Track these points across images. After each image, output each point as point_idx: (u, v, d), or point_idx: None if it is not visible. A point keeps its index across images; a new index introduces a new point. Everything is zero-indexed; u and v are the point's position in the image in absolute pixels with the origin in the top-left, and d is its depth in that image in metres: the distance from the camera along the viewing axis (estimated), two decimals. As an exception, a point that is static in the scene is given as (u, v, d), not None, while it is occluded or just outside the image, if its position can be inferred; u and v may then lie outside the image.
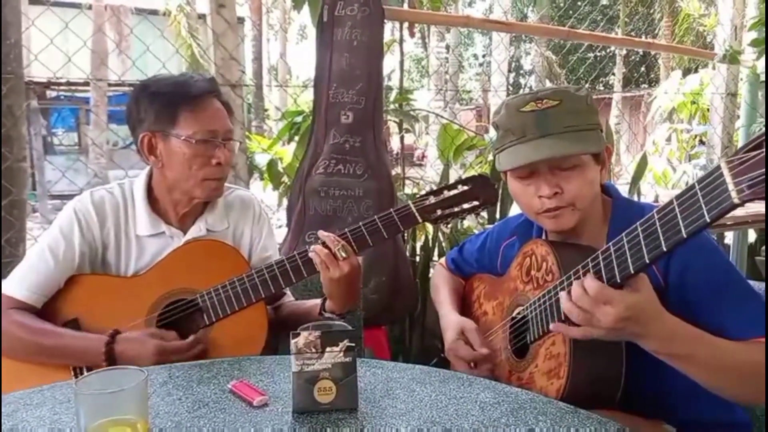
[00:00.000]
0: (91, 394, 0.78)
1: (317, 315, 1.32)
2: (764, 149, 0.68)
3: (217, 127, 1.31)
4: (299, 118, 3.06)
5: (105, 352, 1.18)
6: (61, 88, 10.04)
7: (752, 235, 3.42)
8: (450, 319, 1.31)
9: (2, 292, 1.26)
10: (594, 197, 1.14)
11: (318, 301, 1.35)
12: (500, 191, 2.26)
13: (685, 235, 0.79)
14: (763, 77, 3.49)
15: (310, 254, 1.24)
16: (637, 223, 0.87)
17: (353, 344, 0.91)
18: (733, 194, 0.71)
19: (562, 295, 0.95)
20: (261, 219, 1.45)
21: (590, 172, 1.11)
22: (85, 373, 0.83)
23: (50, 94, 11.22)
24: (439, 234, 2.74)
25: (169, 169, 1.31)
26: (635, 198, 3.02)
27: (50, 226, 1.34)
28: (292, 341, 0.90)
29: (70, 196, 1.43)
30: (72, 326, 1.26)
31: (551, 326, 1.00)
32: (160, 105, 1.28)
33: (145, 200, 1.34)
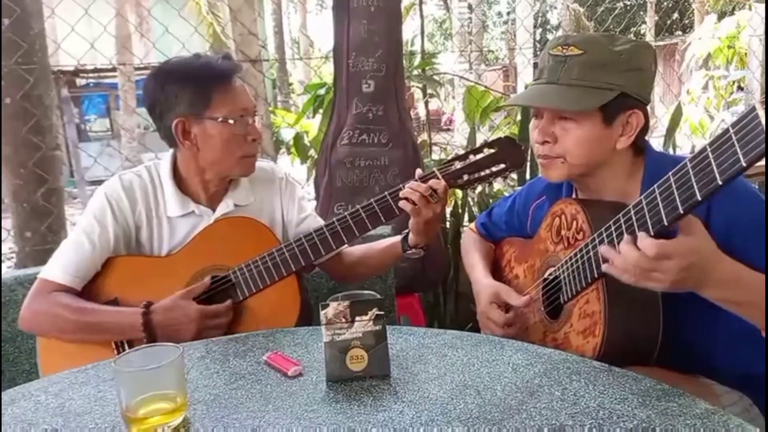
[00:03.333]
0: (129, 372, 0.81)
1: (400, 251, 1.36)
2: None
3: (247, 105, 1.32)
4: (322, 91, 3.04)
5: (142, 323, 1.22)
6: (90, 75, 10.21)
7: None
8: (483, 284, 1.30)
9: (44, 277, 1.30)
10: (594, 156, 1.09)
11: (394, 238, 1.39)
12: (529, 152, 2.22)
13: (720, 182, 0.76)
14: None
15: (401, 203, 1.24)
16: (670, 173, 0.84)
17: (382, 312, 0.91)
18: (770, 135, 0.68)
19: (611, 253, 0.91)
20: (288, 185, 1.47)
21: (592, 129, 1.07)
22: (126, 350, 0.85)
23: (80, 82, 11.43)
24: (469, 199, 2.72)
25: (206, 151, 1.31)
26: (671, 151, 2.92)
27: (84, 212, 1.37)
28: (322, 312, 0.90)
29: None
30: (112, 306, 1.30)
31: (603, 267, 0.94)
32: (191, 89, 1.28)
33: (173, 182, 1.36)
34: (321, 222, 1.40)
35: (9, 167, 2.43)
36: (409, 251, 1.35)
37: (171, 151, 1.38)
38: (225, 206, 1.38)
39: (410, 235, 1.33)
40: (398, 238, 1.38)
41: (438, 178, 1.25)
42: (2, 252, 2.54)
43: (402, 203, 1.25)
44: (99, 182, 1.41)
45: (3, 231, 2.49)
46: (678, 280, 0.85)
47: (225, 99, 1.28)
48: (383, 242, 1.43)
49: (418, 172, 1.27)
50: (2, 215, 2.67)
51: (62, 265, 1.30)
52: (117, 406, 0.82)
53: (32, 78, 2.36)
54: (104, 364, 1.01)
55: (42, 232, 2.44)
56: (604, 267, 0.92)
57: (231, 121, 1.28)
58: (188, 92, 1.28)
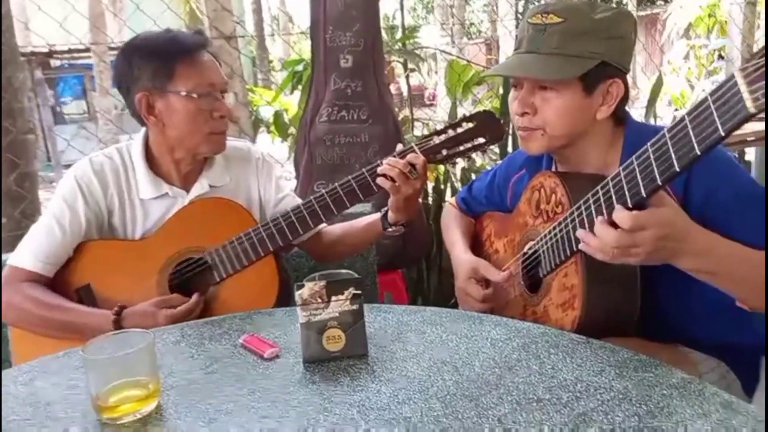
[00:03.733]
0: (99, 359, 0.79)
1: (381, 229, 1.34)
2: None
3: (215, 79, 1.28)
4: (300, 67, 2.99)
5: (113, 329, 1.19)
6: (64, 56, 9.96)
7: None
8: (462, 259, 1.30)
9: (13, 264, 1.26)
10: (574, 127, 1.07)
11: (374, 216, 1.37)
12: (509, 126, 2.20)
13: (698, 152, 0.74)
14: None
15: (379, 180, 1.22)
16: (648, 144, 0.83)
17: (359, 291, 0.90)
18: (749, 103, 0.66)
19: (586, 235, 0.89)
20: (264, 164, 1.43)
21: (573, 99, 1.05)
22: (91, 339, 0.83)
23: (54, 63, 11.15)
24: (451, 174, 2.70)
25: (171, 128, 1.28)
26: (652, 122, 2.92)
27: (53, 196, 1.33)
28: (297, 293, 0.89)
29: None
30: (85, 292, 1.27)
31: (581, 246, 0.92)
32: (154, 62, 1.24)
33: (145, 163, 1.32)
34: (299, 201, 1.37)
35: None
36: (390, 229, 1.34)
37: (143, 130, 1.35)
38: (200, 187, 1.34)
39: (390, 213, 1.32)
40: (378, 215, 1.36)
41: (416, 154, 1.22)
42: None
43: (380, 180, 1.22)
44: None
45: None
46: (653, 251, 0.84)
47: (189, 73, 1.24)
48: (363, 220, 1.42)
49: (399, 147, 1.25)
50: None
51: (32, 252, 1.27)
52: (88, 394, 0.80)
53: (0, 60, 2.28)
54: (75, 351, 0.99)
55: (16, 218, 2.40)
56: (581, 246, 0.91)
57: (195, 96, 1.24)
58: (152, 66, 1.24)
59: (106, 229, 1.32)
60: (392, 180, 1.21)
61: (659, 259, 0.86)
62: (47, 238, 1.28)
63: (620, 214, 0.83)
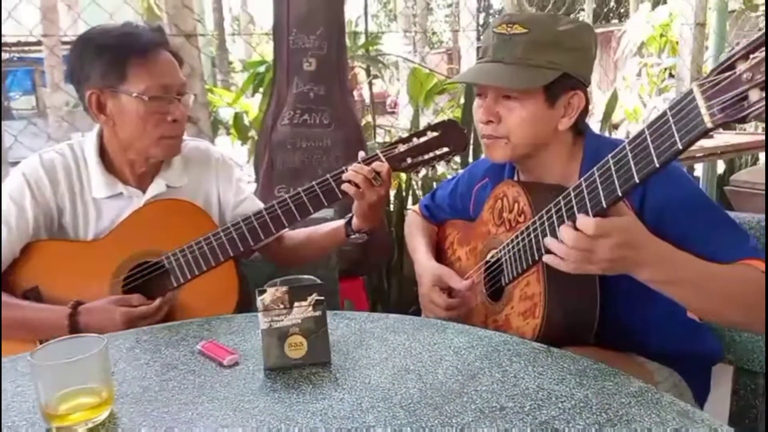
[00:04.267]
0: (48, 366, 0.75)
1: (344, 236, 1.34)
2: (737, 69, 0.65)
3: (170, 81, 1.23)
4: (262, 69, 2.96)
5: (68, 325, 1.14)
6: (13, 49, 9.56)
7: (721, 166, 3.46)
8: (425, 266, 1.30)
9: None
10: (537, 136, 1.09)
11: (338, 222, 1.36)
12: (471, 135, 2.22)
13: (657, 165, 0.77)
14: (731, 6, 3.45)
15: (344, 186, 1.21)
16: (609, 156, 0.85)
17: (322, 297, 0.88)
18: (706, 118, 0.68)
19: (552, 242, 0.90)
20: (224, 166, 1.40)
21: (536, 109, 1.07)
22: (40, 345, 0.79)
23: (3, 56, 10.69)
24: (413, 182, 2.71)
25: (122, 129, 1.24)
26: (607, 135, 3.01)
27: (-1, 194, 1.27)
28: (259, 298, 0.87)
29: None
30: (33, 294, 1.21)
31: (545, 258, 0.93)
32: (106, 59, 1.20)
33: (98, 161, 1.27)
34: (260, 204, 1.35)
35: None
36: (353, 236, 1.33)
37: (97, 126, 1.30)
38: (156, 187, 1.30)
39: (354, 220, 1.31)
40: (341, 222, 1.35)
41: (381, 161, 1.22)
42: None
43: (345, 186, 1.22)
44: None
45: None
46: (614, 259, 0.85)
47: (142, 73, 1.20)
48: (326, 226, 1.40)
49: (361, 154, 1.25)
50: None
51: (-25, 251, 1.21)
52: (36, 402, 0.76)
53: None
54: (22, 357, 0.93)
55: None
56: (545, 258, 0.92)
57: (146, 98, 1.20)
58: (103, 63, 1.19)
59: (56, 229, 1.27)
60: (357, 186, 1.20)
61: (618, 268, 0.88)
62: (-8, 237, 1.21)
63: (584, 221, 0.85)
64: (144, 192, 1.30)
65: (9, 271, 1.23)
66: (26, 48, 9.26)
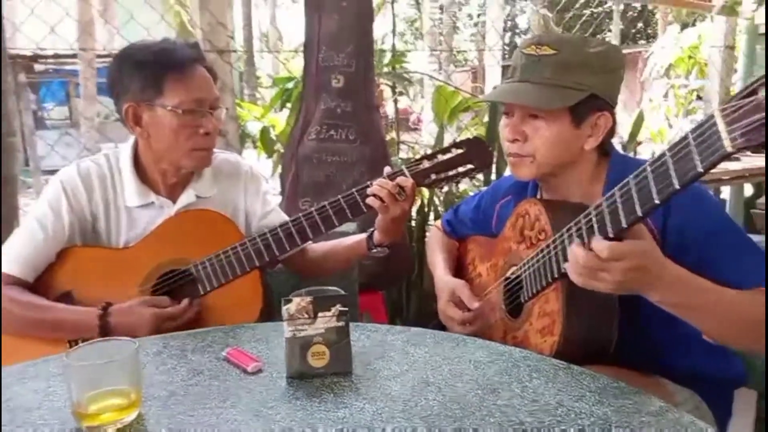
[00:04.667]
0: (81, 367, 0.78)
1: (366, 249, 1.36)
2: (759, 95, 0.65)
3: (204, 96, 1.28)
4: (290, 84, 3.02)
5: (99, 326, 1.18)
6: (49, 61, 9.86)
7: (748, 189, 3.41)
8: (443, 281, 1.31)
9: (-7, 267, 1.25)
10: (562, 156, 1.10)
11: (360, 236, 1.38)
12: (495, 153, 2.24)
13: (677, 186, 0.77)
14: (761, 29, 3.42)
15: (369, 200, 1.23)
16: (630, 176, 0.86)
17: (346, 308, 0.90)
18: (726, 142, 0.69)
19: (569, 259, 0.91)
20: (253, 178, 1.44)
21: (562, 129, 1.08)
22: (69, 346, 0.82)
23: (38, 68, 11.02)
24: (435, 198, 2.73)
25: (156, 140, 1.28)
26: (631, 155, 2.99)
27: (38, 200, 1.32)
28: (284, 307, 0.89)
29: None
30: (65, 299, 1.26)
31: (564, 265, 0.94)
32: (144, 74, 1.25)
33: (133, 170, 1.32)
34: (285, 217, 1.38)
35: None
36: (374, 250, 1.35)
37: (132, 138, 1.35)
38: (186, 197, 1.35)
39: (376, 233, 1.33)
40: (364, 236, 1.37)
41: (406, 176, 1.24)
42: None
43: (370, 200, 1.24)
44: (55, 171, 1.36)
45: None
46: (623, 281, 0.86)
47: (178, 88, 1.24)
48: (348, 239, 1.43)
49: (387, 169, 1.27)
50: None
51: (13, 255, 1.26)
52: (67, 401, 0.79)
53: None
54: (55, 358, 0.97)
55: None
56: (564, 265, 0.93)
57: (180, 111, 1.24)
58: (141, 77, 1.24)
59: (90, 235, 1.31)
60: (381, 200, 1.22)
61: (628, 289, 0.89)
62: (28, 242, 1.26)
63: (598, 244, 0.86)
64: (174, 202, 1.34)
65: (44, 276, 1.28)
66: (61, 60, 9.55)
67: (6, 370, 0.95)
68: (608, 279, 0.86)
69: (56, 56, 8.59)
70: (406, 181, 1.23)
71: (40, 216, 1.27)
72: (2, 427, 0.78)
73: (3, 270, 1.24)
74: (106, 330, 1.18)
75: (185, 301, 1.23)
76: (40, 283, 1.27)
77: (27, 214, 1.35)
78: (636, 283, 0.87)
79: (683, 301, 0.89)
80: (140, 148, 1.33)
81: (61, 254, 1.28)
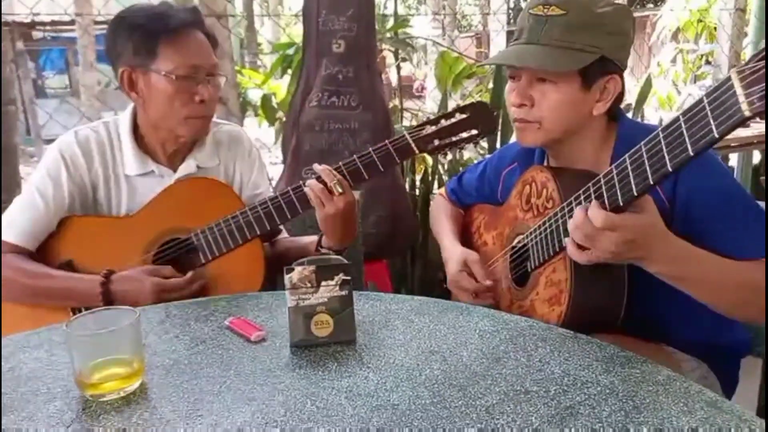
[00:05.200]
0: (82, 336, 0.78)
1: (314, 251, 1.30)
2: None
3: (200, 62, 1.24)
4: (291, 50, 2.95)
5: (101, 293, 1.17)
6: (47, 28, 9.72)
7: (757, 156, 3.36)
8: (452, 251, 1.29)
9: (-6, 236, 1.24)
10: (571, 121, 1.08)
11: (315, 237, 1.33)
12: (500, 119, 2.20)
13: (692, 153, 0.75)
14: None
15: (305, 190, 1.21)
16: (641, 143, 0.83)
17: (349, 277, 0.89)
18: (744, 106, 0.67)
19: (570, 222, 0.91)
20: (252, 154, 1.41)
21: (571, 93, 1.05)
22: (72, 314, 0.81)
23: (36, 35, 10.86)
24: (439, 166, 2.70)
25: (151, 107, 1.26)
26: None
27: (37, 169, 1.31)
28: (287, 276, 0.88)
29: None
30: (67, 268, 1.25)
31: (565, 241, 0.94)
32: (138, 38, 1.21)
33: (132, 139, 1.30)
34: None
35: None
36: (323, 251, 1.28)
37: (131, 105, 1.32)
38: (187, 167, 1.32)
39: (323, 237, 1.28)
40: (315, 238, 1.31)
41: (333, 174, 1.18)
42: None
43: (308, 195, 1.19)
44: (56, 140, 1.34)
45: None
46: (616, 252, 0.86)
47: (172, 52, 1.21)
48: (304, 239, 1.37)
49: (315, 166, 1.20)
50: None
51: (14, 224, 1.24)
52: (70, 370, 0.79)
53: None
54: (57, 326, 0.97)
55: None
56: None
57: (174, 77, 1.21)
58: (134, 41, 1.21)
59: (90, 204, 1.30)
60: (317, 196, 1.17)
61: (623, 260, 0.89)
62: (29, 211, 1.25)
63: (594, 212, 0.85)
64: (175, 171, 1.32)
65: (45, 246, 1.27)
66: (60, 27, 9.41)
67: (9, 338, 0.94)
68: (600, 248, 0.86)
69: (54, 23, 8.47)
70: (330, 175, 1.17)
71: (39, 185, 1.26)
72: (6, 396, 0.78)
73: (3, 238, 1.23)
74: (108, 297, 1.18)
75: (189, 274, 1.22)
76: (41, 253, 1.26)
77: (27, 183, 1.33)
78: (629, 254, 0.87)
79: (681, 273, 0.89)
80: (138, 115, 1.31)
81: (61, 223, 1.27)
